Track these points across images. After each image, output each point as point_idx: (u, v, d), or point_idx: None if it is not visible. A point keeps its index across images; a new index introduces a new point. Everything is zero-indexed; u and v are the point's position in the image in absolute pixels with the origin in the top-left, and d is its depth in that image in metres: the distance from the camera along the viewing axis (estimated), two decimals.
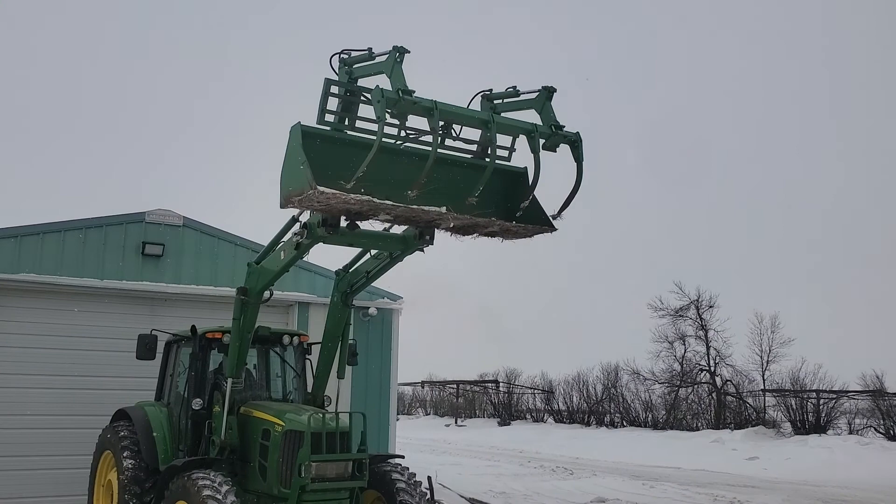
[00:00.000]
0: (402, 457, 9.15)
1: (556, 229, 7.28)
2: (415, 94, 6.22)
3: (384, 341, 13.71)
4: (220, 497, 7.23)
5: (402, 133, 7.07)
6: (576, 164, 6.92)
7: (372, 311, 13.45)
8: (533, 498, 15.20)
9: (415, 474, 8.52)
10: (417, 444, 28.00)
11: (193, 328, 9.09)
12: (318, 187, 6.21)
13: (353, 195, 6.33)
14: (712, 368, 33.65)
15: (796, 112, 65.44)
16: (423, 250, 7.76)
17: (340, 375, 8.80)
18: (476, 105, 7.08)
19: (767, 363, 32.46)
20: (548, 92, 6.95)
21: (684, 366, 34.69)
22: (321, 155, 6.67)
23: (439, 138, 6.81)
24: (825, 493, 16.77)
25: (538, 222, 7.30)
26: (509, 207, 7.40)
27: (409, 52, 6.40)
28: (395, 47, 6.38)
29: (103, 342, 11.75)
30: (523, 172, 7.48)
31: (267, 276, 8.15)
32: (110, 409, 9.82)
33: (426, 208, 6.65)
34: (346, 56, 7.07)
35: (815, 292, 51.53)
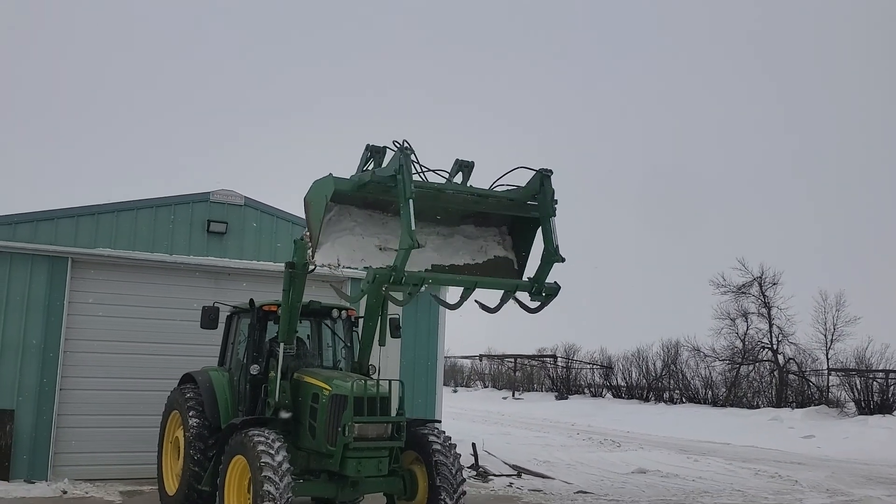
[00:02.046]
0: (439, 421, 9.78)
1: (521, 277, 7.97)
2: (407, 273, 6.84)
3: (431, 316, 14.28)
4: (272, 452, 7.94)
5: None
6: (541, 305, 7.55)
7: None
8: (576, 467, 15.71)
9: (450, 437, 9.10)
10: (472, 415, 28.75)
11: (251, 301, 9.86)
12: (316, 261, 7.42)
13: (345, 268, 7.56)
14: (775, 346, 33.31)
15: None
16: None
17: (382, 343, 9.48)
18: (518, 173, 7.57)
19: (832, 342, 32.03)
20: (554, 256, 7.33)
21: (746, 343, 34.41)
22: (344, 207, 7.62)
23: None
24: (873, 472, 16.76)
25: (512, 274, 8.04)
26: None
27: (422, 246, 7.10)
28: (410, 241, 6.69)
29: (172, 312, 12.67)
30: (535, 220, 7.82)
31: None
32: (177, 373, 10.66)
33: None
34: (406, 148, 7.10)
35: (882, 270, 50.05)
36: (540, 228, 7.61)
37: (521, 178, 7.64)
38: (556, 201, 7.44)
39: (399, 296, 7.46)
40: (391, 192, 7.23)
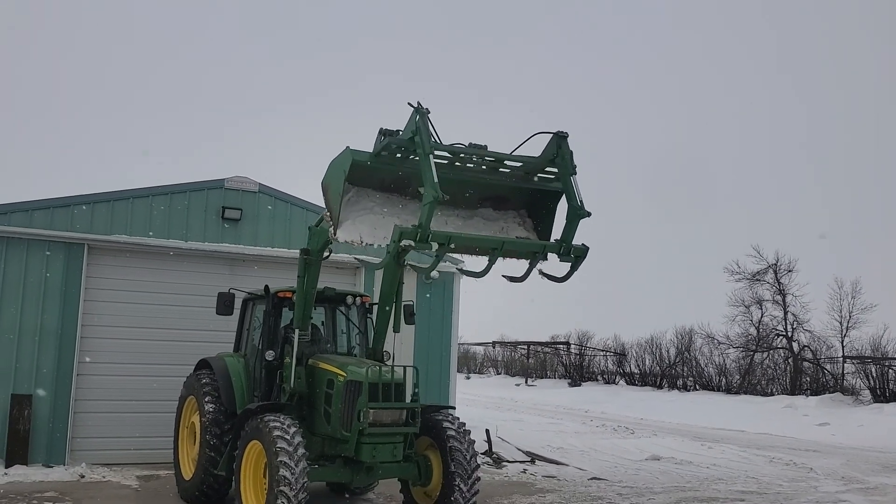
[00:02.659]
0: (454, 408, 9.78)
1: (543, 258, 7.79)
2: (433, 231, 6.80)
3: (445, 303, 14.29)
4: (288, 437, 7.96)
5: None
6: (570, 269, 7.45)
7: (434, 273, 14.00)
8: (589, 454, 15.71)
9: (464, 423, 9.11)
10: (485, 402, 28.82)
11: (266, 288, 9.87)
12: (339, 237, 7.39)
13: (367, 245, 7.53)
14: (789, 334, 33.14)
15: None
16: None
17: (396, 329, 9.48)
18: (534, 142, 7.49)
19: (847, 329, 31.84)
20: (580, 213, 7.25)
21: (760, 330, 34.26)
22: (362, 190, 7.66)
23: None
24: (888, 459, 16.66)
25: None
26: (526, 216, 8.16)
27: (447, 198, 6.86)
28: (435, 192, 6.62)
29: (187, 298, 12.72)
30: (554, 194, 7.89)
31: (325, 236, 8.79)
32: (193, 358, 10.68)
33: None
34: (422, 109, 7.07)
35: None
36: (562, 201, 7.59)
37: (538, 152, 7.60)
38: (575, 164, 7.38)
39: (420, 262, 7.41)
40: (407, 164, 7.19)
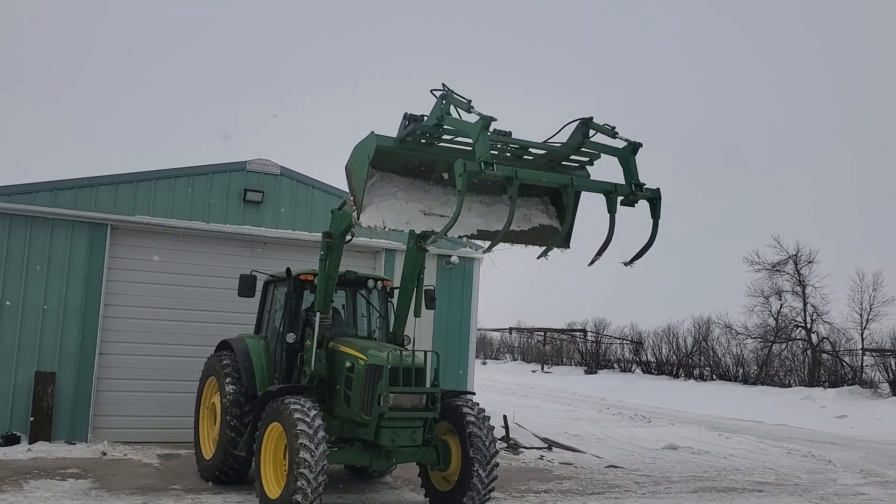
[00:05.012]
0: (474, 393, 9.79)
1: (569, 248, 7.89)
2: (495, 165, 6.47)
3: (465, 288, 14.31)
4: (308, 420, 8.00)
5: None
6: (652, 220, 7.15)
7: (454, 259, 14.06)
8: (606, 442, 15.71)
9: (484, 409, 9.11)
10: (501, 388, 28.85)
11: (288, 270, 9.89)
12: (362, 222, 7.32)
13: (390, 230, 7.46)
14: (808, 325, 32.93)
15: None
16: None
17: (417, 314, 9.50)
18: (563, 130, 7.33)
19: (867, 322, 31.63)
20: (633, 147, 7.07)
21: (779, 321, 34.07)
22: (385, 175, 7.61)
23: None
24: None
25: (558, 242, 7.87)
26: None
27: (495, 119, 6.62)
28: (482, 116, 6.52)
29: (209, 280, 12.83)
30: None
31: (347, 220, 8.80)
32: (214, 339, 10.76)
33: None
34: (446, 91, 7.09)
35: None
36: (583, 195, 7.56)
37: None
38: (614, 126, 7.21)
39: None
40: (432, 149, 7.13)
